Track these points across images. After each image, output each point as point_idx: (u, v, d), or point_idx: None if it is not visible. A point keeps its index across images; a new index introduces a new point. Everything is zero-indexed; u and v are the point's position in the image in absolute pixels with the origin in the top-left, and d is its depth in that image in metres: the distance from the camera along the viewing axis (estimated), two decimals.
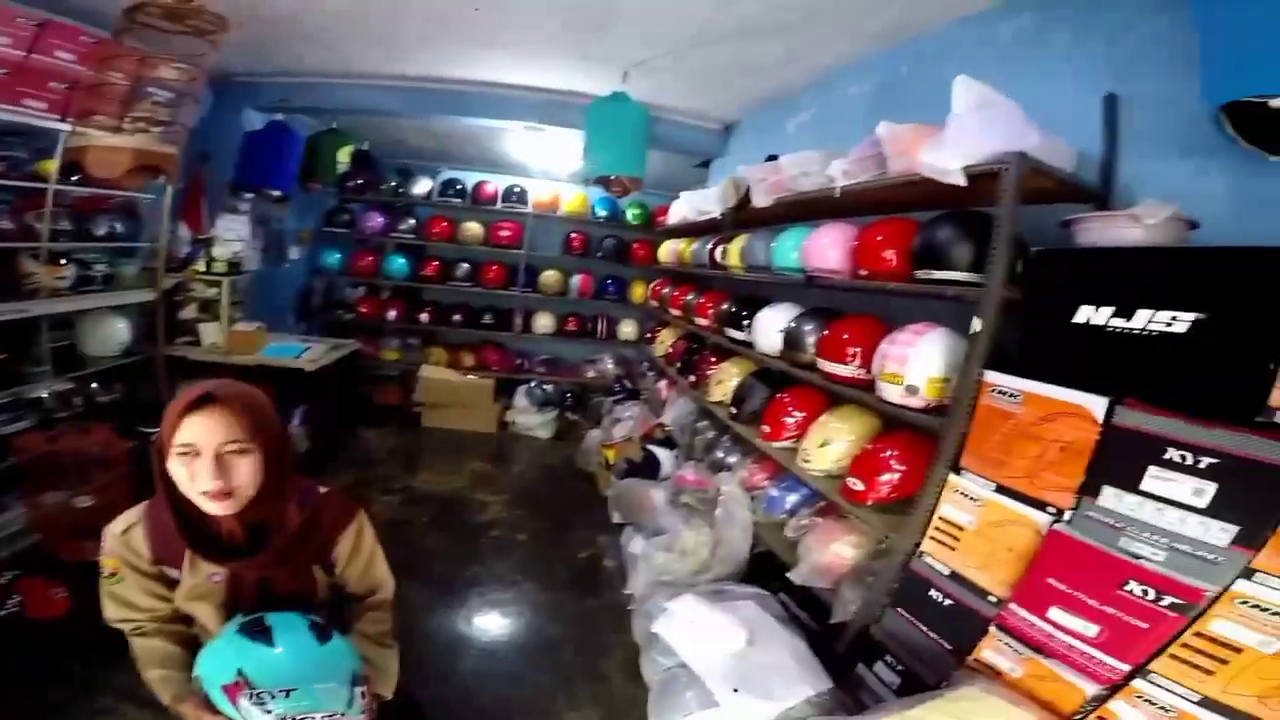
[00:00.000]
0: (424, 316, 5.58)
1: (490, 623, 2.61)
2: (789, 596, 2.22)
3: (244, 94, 4.30)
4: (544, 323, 5.69)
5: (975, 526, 1.47)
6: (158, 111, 2.83)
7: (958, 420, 1.54)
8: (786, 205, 2.45)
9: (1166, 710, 1.07)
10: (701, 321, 3.28)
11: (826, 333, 2.12)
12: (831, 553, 1.99)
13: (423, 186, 5.50)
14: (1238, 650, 1.00)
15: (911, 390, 1.70)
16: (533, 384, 5.40)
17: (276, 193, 4.55)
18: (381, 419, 4.92)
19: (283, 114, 4.49)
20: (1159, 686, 1.09)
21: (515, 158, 5.40)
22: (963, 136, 1.50)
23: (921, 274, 1.72)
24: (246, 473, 1.02)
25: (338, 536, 1.22)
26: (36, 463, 2.51)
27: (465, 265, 5.54)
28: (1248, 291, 1.06)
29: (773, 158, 2.60)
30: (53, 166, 2.55)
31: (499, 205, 5.50)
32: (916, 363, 1.70)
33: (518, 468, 4.50)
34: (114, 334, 3.07)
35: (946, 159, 1.52)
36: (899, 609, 1.65)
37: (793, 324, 2.34)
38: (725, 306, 2.98)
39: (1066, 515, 1.27)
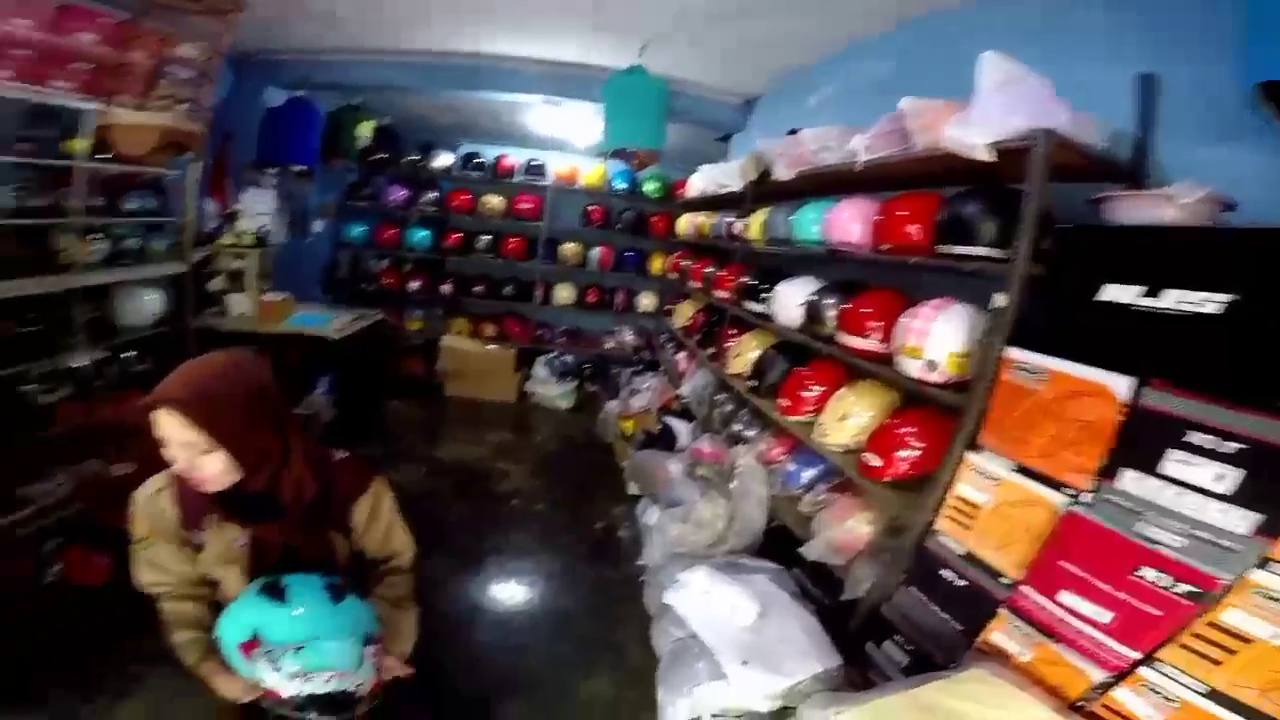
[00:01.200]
0: (446, 288, 5.63)
1: (508, 592, 2.68)
2: (803, 572, 2.22)
3: (264, 72, 4.30)
4: (564, 294, 5.70)
5: (992, 506, 1.45)
6: (180, 90, 2.86)
7: (978, 397, 1.51)
8: (807, 179, 2.40)
9: (1171, 700, 1.05)
10: (721, 294, 3.26)
11: (848, 306, 2.08)
12: (846, 529, 1.98)
13: (444, 160, 5.50)
14: (1248, 641, 0.98)
15: (931, 365, 1.68)
16: (553, 355, 5.43)
17: (299, 167, 4.59)
18: (405, 389, 4.99)
19: (304, 91, 4.49)
20: (1166, 675, 1.07)
21: (535, 131, 5.35)
22: (989, 112, 1.45)
23: (944, 248, 1.68)
24: (213, 469, 1.04)
25: (353, 503, 1.24)
26: (76, 432, 2.59)
27: (486, 237, 5.55)
28: None
29: (793, 132, 2.53)
30: (80, 145, 2.59)
31: (519, 178, 5.49)
32: (937, 337, 1.67)
33: (538, 438, 4.56)
34: (146, 306, 3.14)
35: (973, 134, 1.47)
36: (911, 588, 1.64)
37: (814, 297, 2.31)
38: (745, 279, 2.94)
39: (1084, 497, 1.25)
